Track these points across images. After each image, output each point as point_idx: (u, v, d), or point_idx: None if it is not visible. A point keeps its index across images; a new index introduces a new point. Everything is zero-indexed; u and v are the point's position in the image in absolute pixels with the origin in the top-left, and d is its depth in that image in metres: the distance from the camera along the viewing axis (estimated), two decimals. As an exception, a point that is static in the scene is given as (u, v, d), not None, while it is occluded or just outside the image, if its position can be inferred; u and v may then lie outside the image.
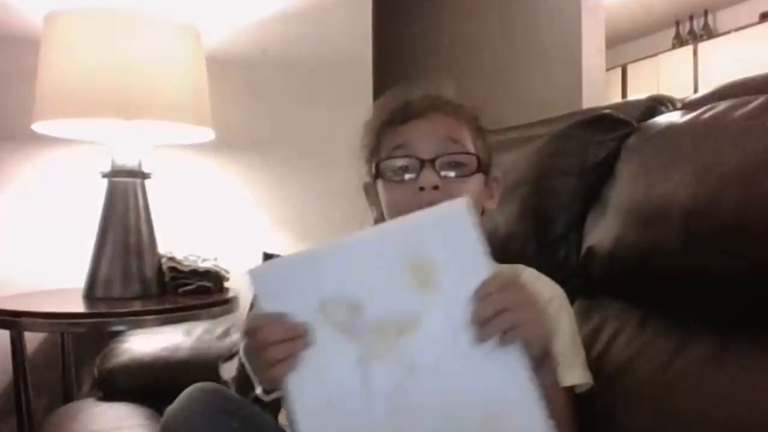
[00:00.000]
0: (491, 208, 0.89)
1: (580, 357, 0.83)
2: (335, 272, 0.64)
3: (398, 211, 0.81)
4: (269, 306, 0.64)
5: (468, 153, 0.83)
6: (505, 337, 0.61)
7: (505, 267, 0.88)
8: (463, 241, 0.63)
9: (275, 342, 0.63)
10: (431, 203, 0.77)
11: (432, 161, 0.80)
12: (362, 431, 0.64)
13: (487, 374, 0.62)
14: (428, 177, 0.79)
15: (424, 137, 0.82)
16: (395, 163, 0.83)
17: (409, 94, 0.86)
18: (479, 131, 0.87)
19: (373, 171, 0.85)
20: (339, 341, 0.63)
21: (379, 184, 0.86)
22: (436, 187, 0.79)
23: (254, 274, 0.64)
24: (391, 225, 0.67)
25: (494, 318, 0.61)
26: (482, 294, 0.62)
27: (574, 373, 0.80)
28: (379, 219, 0.88)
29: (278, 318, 0.63)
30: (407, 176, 0.82)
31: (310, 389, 0.63)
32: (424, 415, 0.63)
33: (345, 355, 0.63)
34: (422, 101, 0.85)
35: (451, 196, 0.78)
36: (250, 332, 0.66)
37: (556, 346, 0.78)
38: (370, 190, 0.90)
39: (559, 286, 0.88)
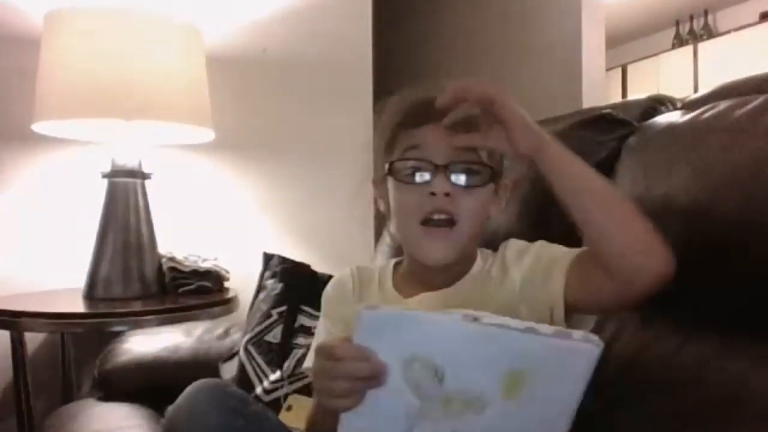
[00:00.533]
0: (495, 214, 0.88)
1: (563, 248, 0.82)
2: (442, 342, 0.62)
3: (405, 212, 0.82)
4: (361, 339, 0.64)
5: (481, 163, 0.82)
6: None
7: (488, 252, 0.89)
8: (573, 379, 0.62)
9: (353, 376, 0.63)
10: (440, 210, 0.79)
11: (445, 167, 0.79)
12: None
13: None
14: (440, 183, 0.79)
15: (438, 141, 0.80)
16: (408, 165, 0.82)
17: (427, 94, 0.83)
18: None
19: (386, 170, 0.84)
20: (406, 393, 0.64)
21: (390, 182, 0.85)
22: (447, 194, 0.79)
23: (368, 313, 0.63)
24: (518, 327, 0.62)
25: None
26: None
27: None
28: (386, 213, 0.88)
29: (364, 353, 0.62)
30: (419, 179, 0.81)
31: (359, 425, 0.65)
32: None
33: (404, 404, 0.64)
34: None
35: (460, 205, 0.80)
36: (328, 354, 0.65)
37: (555, 251, 0.81)
38: (379, 185, 0.89)
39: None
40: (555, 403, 0.63)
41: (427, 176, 0.80)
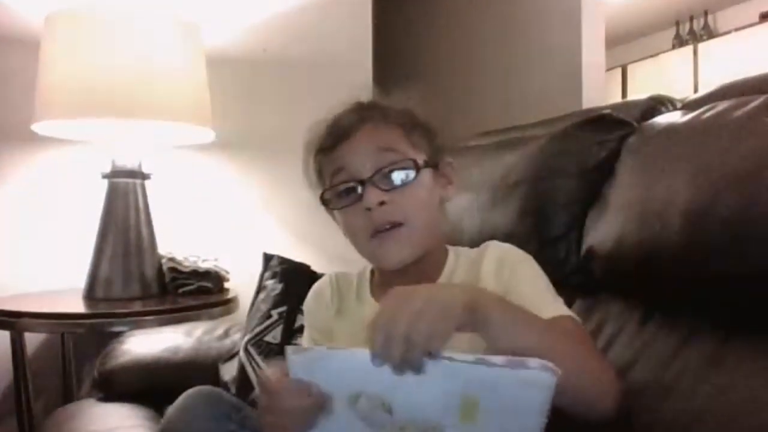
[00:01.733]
0: (451, 195, 0.87)
1: (551, 294, 0.80)
2: (382, 376, 0.61)
3: (354, 234, 0.82)
4: (297, 375, 0.65)
5: (405, 159, 0.81)
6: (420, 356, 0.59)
7: (476, 249, 0.87)
8: (533, 409, 0.59)
9: (294, 408, 0.64)
10: (382, 222, 0.78)
11: (371, 178, 0.79)
12: None
13: None
14: (371, 195, 0.78)
15: (357, 156, 0.80)
16: (338, 189, 0.82)
17: (333, 115, 0.86)
18: (414, 125, 0.84)
19: (320, 202, 0.84)
20: (357, 425, 0.64)
21: (335, 213, 0.85)
22: (382, 203, 0.78)
23: (294, 356, 0.64)
24: (467, 360, 0.60)
25: (403, 352, 0.58)
26: (378, 340, 0.59)
27: (556, 307, 0.77)
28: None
29: (301, 387, 0.63)
30: (351, 200, 0.80)
31: None
32: None
33: None
34: (349, 119, 0.83)
35: (399, 207, 0.79)
36: (269, 392, 0.66)
37: (537, 291, 0.78)
38: (331, 214, 0.89)
39: (524, 252, 0.85)
40: (517, 429, 0.61)
41: (357, 194, 0.79)
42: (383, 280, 0.87)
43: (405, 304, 0.60)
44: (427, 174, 0.83)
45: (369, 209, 0.78)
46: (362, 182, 0.79)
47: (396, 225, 0.79)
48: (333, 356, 0.65)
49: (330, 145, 0.83)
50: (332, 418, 0.65)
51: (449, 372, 0.60)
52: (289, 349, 0.65)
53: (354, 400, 0.64)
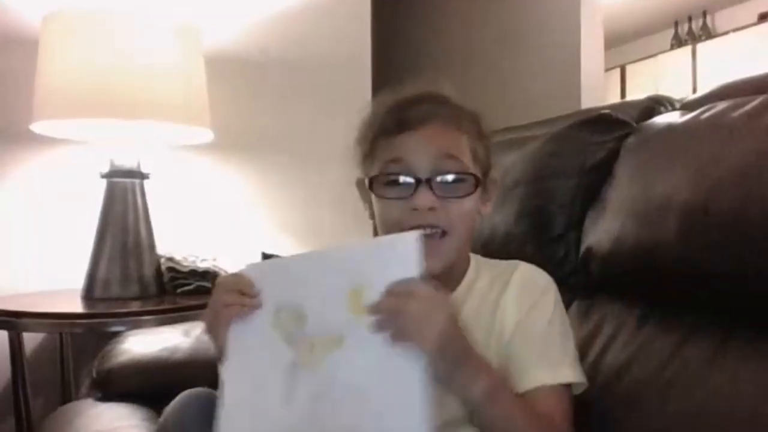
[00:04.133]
0: (487, 212, 0.86)
1: (569, 356, 0.80)
2: (294, 284, 0.70)
3: (391, 227, 0.79)
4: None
5: (466, 172, 0.79)
6: (391, 336, 0.65)
7: (502, 263, 0.87)
8: (403, 273, 0.66)
9: (228, 303, 0.71)
10: (426, 225, 0.76)
11: (428, 180, 0.77)
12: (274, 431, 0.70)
13: (384, 377, 0.66)
14: (424, 198, 0.76)
15: (420, 153, 0.77)
16: (390, 179, 0.79)
17: (404, 98, 0.81)
18: (479, 136, 0.83)
19: (367, 184, 0.81)
20: (281, 347, 0.69)
21: (373, 196, 0.82)
22: (432, 208, 0.76)
23: (249, 266, 0.74)
24: (346, 247, 0.71)
25: (387, 314, 0.65)
26: (388, 292, 0.65)
27: (563, 372, 0.78)
28: (371, 217, 0.86)
29: (241, 283, 0.72)
30: (402, 193, 0.78)
31: (239, 382, 0.70)
32: (334, 427, 0.67)
33: (280, 359, 0.69)
34: (419, 110, 0.79)
35: (447, 216, 0.77)
36: (216, 287, 0.75)
37: (547, 342, 0.78)
38: (362, 187, 0.86)
39: (552, 280, 0.86)
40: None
41: (410, 191, 0.77)
42: None
43: (427, 302, 0.65)
44: (478, 192, 0.81)
45: (416, 209, 0.77)
46: (418, 181, 0.77)
47: (438, 233, 0.77)
48: (276, 265, 0.74)
49: (393, 131, 0.79)
50: (252, 326, 0.70)
51: (332, 261, 0.70)
52: (247, 263, 0.73)
53: (277, 315, 0.70)
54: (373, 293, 0.66)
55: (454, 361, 0.68)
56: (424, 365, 0.64)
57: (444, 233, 0.78)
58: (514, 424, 0.72)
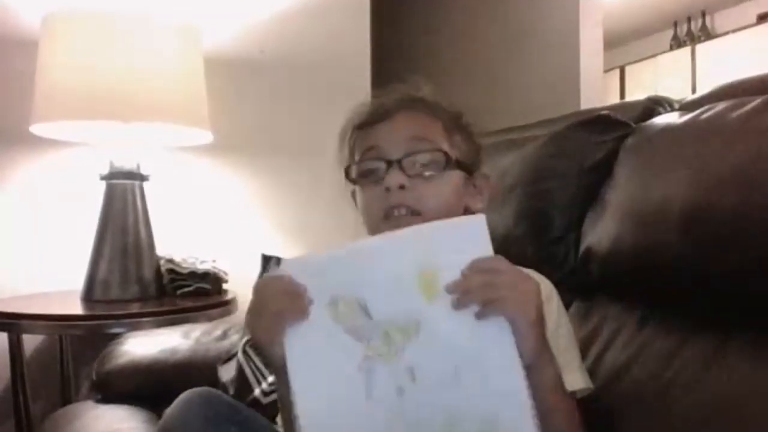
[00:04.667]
0: (479, 208, 0.86)
1: (577, 360, 0.82)
2: (349, 274, 0.66)
3: (369, 213, 0.81)
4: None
5: (436, 150, 0.81)
6: (485, 309, 0.63)
7: None
8: (473, 253, 0.65)
9: (279, 310, 0.66)
10: (399, 204, 0.78)
11: (399, 161, 0.79)
12: None
13: (475, 355, 0.64)
14: (393, 177, 0.78)
15: (391, 137, 0.81)
16: (365, 166, 0.82)
17: (382, 97, 0.86)
18: (460, 129, 0.85)
19: (345, 176, 0.84)
20: (346, 342, 0.65)
21: (357, 190, 0.85)
22: (402, 187, 0.78)
23: (285, 263, 0.69)
24: (407, 231, 0.67)
25: (476, 289, 0.63)
26: (471, 268, 0.64)
27: (575, 377, 0.79)
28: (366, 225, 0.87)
29: (290, 286, 0.66)
30: (373, 179, 0.81)
31: (314, 388, 0.64)
32: (423, 423, 0.64)
33: (351, 356, 0.64)
34: (392, 102, 0.84)
35: (419, 195, 0.79)
36: (258, 292, 0.69)
37: (556, 348, 0.78)
38: (356, 198, 0.88)
39: (554, 287, 0.87)
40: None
41: (381, 174, 0.80)
42: None
43: (515, 273, 0.66)
44: (456, 175, 0.82)
45: (388, 189, 0.78)
46: (389, 163, 0.79)
47: (413, 212, 0.79)
48: (318, 258, 0.68)
49: (368, 122, 0.83)
50: (311, 325, 0.65)
51: (397, 248, 0.66)
52: (283, 260, 0.69)
53: (334, 308, 0.65)
54: (450, 274, 0.64)
55: (542, 340, 0.67)
56: (513, 338, 0.63)
57: (419, 213, 0.79)
58: (569, 422, 0.72)
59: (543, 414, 0.64)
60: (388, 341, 0.64)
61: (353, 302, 0.65)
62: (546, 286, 0.85)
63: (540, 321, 0.66)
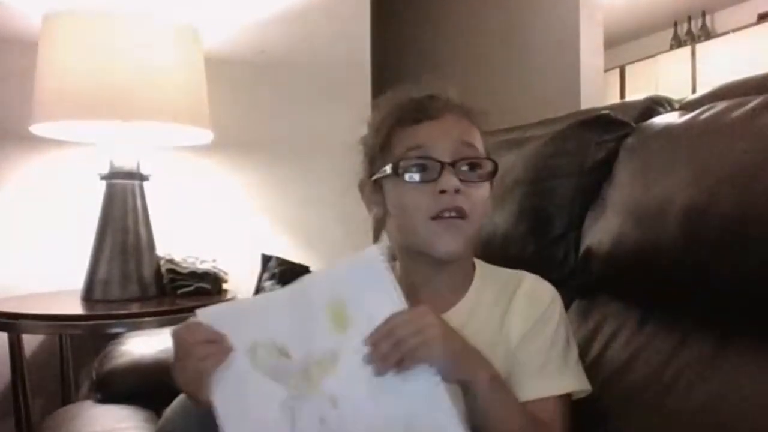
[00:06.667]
0: (489, 211, 0.87)
1: (570, 366, 0.82)
2: (262, 319, 0.70)
3: (414, 210, 0.80)
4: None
5: (486, 158, 0.83)
6: (402, 364, 0.66)
7: (507, 272, 0.88)
8: (377, 284, 0.69)
9: (203, 358, 0.68)
10: (452, 207, 0.78)
11: (452, 164, 0.79)
12: None
13: (403, 398, 0.67)
14: (450, 180, 0.78)
15: (442, 139, 0.80)
16: (412, 164, 0.80)
17: (417, 93, 0.84)
18: (485, 133, 0.86)
19: (389, 171, 0.81)
20: (267, 385, 0.68)
21: (389, 184, 0.83)
22: (457, 191, 0.78)
23: (201, 313, 0.71)
24: (313, 276, 0.74)
25: (387, 354, 0.66)
26: (376, 334, 0.67)
27: (564, 382, 0.80)
28: (380, 218, 0.86)
29: (211, 335, 0.69)
30: (426, 178, 0.79)
31: (242, 430, 0.68)
32: None
33: (272, 398, 0.68)
34: (436, 102, 0.83)
35: (470, 200, 0.79)
36: (180, 344, 0.71)
37: (547, 356, 0.80)
38: (365, 189, 0.87)
39: (556, 291, 0.86)
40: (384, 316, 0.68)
41: (434, 175, 0.79)
42: (410, 280, 0.83)
43: (424, 317, 0.68)
44: (489, 182, 0.84)
45: (443, 192, 0.78)
46: (442, 165, 0.79)
47: (461, 216, 0.79)
48: (232, 308, 0.73)
49: (412, 120, 0.82)
50: (233, 372, 0.68)
51: (306, 290, 0.70)
52: (197, 311, 0.71)
53: (253, 354, 0.68)
54: (354, 305, 0.68)
55: (455, 355, 0.69)
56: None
57: (466, 216, 0.80)
58: (512, 422, 0.73)
59: (486, 418, 0.70)
60: (307, 377, 0.67)
61: (271, 346, 0.68)
62: (549, 292, 0.85)
63: (451, 344, 0.69)
